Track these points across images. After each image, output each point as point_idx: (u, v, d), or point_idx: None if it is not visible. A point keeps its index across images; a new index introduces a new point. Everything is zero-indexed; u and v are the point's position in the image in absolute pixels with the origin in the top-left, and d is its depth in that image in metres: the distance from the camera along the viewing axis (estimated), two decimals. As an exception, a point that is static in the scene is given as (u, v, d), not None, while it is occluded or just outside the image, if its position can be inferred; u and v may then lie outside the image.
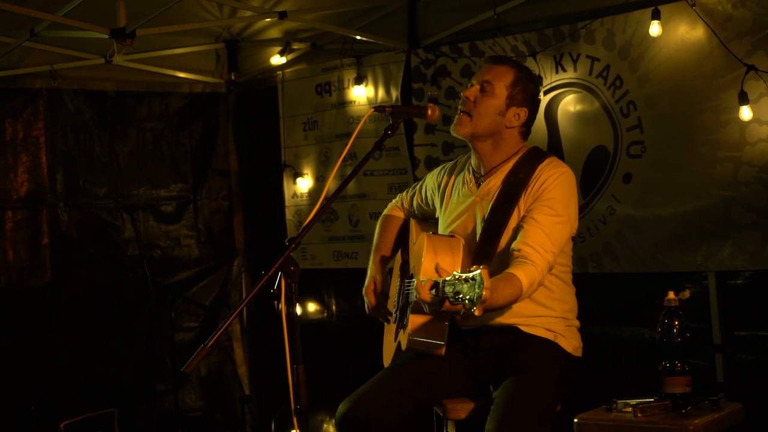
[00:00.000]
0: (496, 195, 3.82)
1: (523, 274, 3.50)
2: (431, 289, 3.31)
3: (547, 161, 3.83)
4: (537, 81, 4.01)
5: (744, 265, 4.78)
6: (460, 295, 3.07)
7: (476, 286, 3.03)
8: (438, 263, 3.47)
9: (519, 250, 3.58)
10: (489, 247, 3.72)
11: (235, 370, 7.36)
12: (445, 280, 3.19)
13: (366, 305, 4.19)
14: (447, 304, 3.24)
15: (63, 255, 6.82)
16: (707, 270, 4.89)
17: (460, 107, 3.91)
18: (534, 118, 3.97)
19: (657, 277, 5.04)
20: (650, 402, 3.81)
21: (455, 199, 4.02)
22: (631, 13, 5.07)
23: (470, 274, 3.07)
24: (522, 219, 3.70)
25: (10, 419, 6.48)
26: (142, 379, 6.85)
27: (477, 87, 3.88)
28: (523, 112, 3.88)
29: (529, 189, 3.75)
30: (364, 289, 4.18)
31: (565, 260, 3.86)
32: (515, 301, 3.53)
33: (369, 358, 4.43)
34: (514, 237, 3.69)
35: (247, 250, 7.48)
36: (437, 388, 3.82)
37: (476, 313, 3.04)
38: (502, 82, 3.85)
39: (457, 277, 3.12)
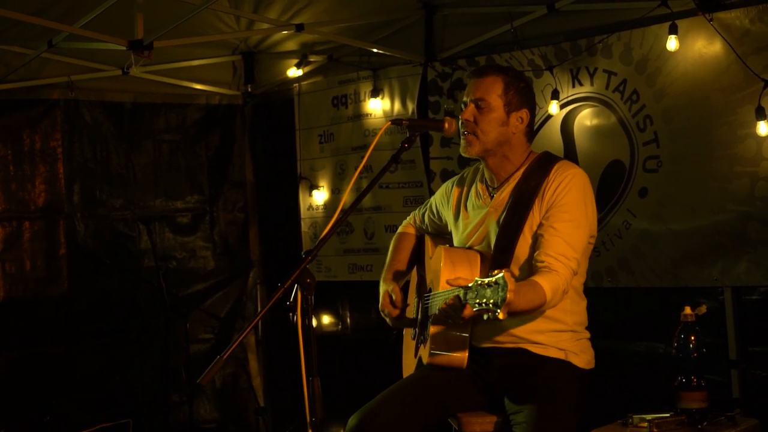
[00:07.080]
0: (509, 204, 3.79)
1: (546, 282, 3.48)
2: (453, 298, 3.31)
3: (557, 165, 3.80)
4: (526, 77, 3.98)
5: (760, 280, 4.76)
6: (484, 300, 3.06)
7: (500, 290, 3.02)
8: (457, 275, 3.47)
9: (542, 261, 3.57)
10: (505, 256, 3.70)
11: (249, 382, 7.36)
12: (467, 287, 3.17)
13: (387, 320, 4.14)
14: (469, 310, 3.23)
15: (79, 266, 6.84)
16: (723, 285, 4.88)
17: (462, 130, 3.88)
18: (535, 114, 3.95)
19: (672, 292, 5.04)
20: (666, 417, 3.81)
21: (470, 212, 4.00)
22: (648, 27, 5.07)
23: (492, 278, 3.06)
24: (539, 227, 3.68)
25: (26, 428, 6.49)
26: (157, 390, 6.85)
27: (472, 106, 3.85)
28: (524, 114, 3.86)
29: (543, 195, 3.73)
30: (380, 306, 4.13)
31: (579, 271, 3.81)
32: (538, 308, 3.51)
33: (384, 370, 4.41)
34: (530, 244, 3.69)
35: (262, 262, 7.49)
36: (450, 401, 3.80)
37: (500, 316, 3.02)
38: (494, 93, 3.82)
39: (479, 282, 3.11)
